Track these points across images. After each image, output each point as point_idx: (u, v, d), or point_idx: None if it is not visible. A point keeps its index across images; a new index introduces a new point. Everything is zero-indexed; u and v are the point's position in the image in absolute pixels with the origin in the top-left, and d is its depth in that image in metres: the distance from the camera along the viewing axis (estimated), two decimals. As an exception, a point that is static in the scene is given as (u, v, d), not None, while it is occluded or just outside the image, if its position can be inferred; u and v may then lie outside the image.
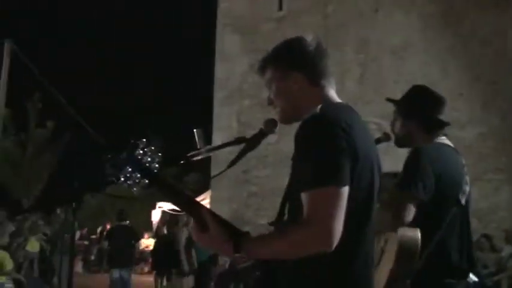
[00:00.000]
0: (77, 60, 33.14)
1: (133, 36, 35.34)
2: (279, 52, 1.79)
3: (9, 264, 8.08)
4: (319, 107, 1.63)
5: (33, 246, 10.23)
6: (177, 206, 1.65)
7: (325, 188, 1.48)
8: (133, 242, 8.54)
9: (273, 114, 1.85)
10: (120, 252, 7.92)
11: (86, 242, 15.75)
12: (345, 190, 1.50)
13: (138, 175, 1.58)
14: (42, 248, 10.25)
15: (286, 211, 1.70)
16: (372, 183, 1.63)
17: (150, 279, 12.32)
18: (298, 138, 1.59)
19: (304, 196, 1.51)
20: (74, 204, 3.65)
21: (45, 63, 18.38)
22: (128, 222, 8.67)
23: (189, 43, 36.60)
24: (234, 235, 1.57)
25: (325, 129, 1.55)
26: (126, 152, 1.58)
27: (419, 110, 2.62)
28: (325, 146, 1.53)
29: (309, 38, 1.77)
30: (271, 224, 1.73)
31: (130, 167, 1.59)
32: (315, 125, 1.57)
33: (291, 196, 1.66)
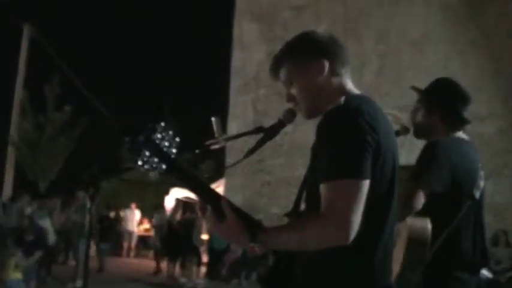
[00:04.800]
0: (96, 44, 33.33)
1: (152, 22, 35.40)
2: (295, 45, 1.76)
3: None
4: (342, 98, 1.62)
5: None
6: (194, 194, 1.65)
7: (344, 180, 1.47)
8: (115, 226, 13.59)
9: (290, 103, 1.83)
10: (107, 232, 12.36)
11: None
12: (365, 183, 1.48)
13: (156, 160, 1.59)
14: None
15: (302, 201, 1.69)
16: (393, 176, 1.62)
17: (162, 264, 12.44)
18: (322, 129, 1.57)
19: (323, 187, 1.50)
20: (91, 189, 3.65)
21: (63, 47, 18.52)
22: (113, 213, 14.60)
23: (207, 30, 36.57)
24: (249, 225, 1.56)
25: (349, 121, 1.53)
26: (144, 135, 1.55)
27: (446, 104, 2.55)
28: (348, 138, 1.51)
29: (319, 31, 1.77)
30: (286, 215, 1.71)
31: (148, 151, 1.58)
32: (340, 117, 1.55)
33: (309, 186, 1.65)
